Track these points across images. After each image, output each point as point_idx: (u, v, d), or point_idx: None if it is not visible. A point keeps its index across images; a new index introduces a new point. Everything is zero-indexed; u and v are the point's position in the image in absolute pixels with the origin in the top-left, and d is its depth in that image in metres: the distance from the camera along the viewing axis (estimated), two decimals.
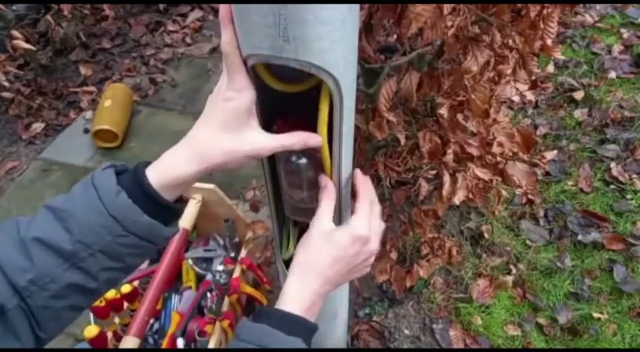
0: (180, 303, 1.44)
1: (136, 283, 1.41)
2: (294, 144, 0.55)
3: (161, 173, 0.53)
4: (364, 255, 0.62)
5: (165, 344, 1.30)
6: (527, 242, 1.83)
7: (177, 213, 0.56)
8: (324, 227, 0.61)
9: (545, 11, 0.70)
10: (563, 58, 2.44)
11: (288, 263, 0.81)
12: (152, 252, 0.56)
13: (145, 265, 1.52)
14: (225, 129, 0.52)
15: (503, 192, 1.04)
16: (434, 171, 1.10)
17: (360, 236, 0.60)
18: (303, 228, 0.86)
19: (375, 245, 0.63)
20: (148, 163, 0.54)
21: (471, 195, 0.97)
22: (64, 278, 0.50)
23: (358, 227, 0.60)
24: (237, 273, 1.44)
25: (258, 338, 0.52)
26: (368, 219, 0.61)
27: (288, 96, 0.55)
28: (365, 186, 0.63)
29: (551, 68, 2.42)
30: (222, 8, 0.48)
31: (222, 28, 0.49)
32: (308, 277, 0.59)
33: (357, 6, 0.47)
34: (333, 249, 0.60)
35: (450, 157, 0.91)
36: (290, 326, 0.54)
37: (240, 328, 0.54)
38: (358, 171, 0.65)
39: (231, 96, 0.51)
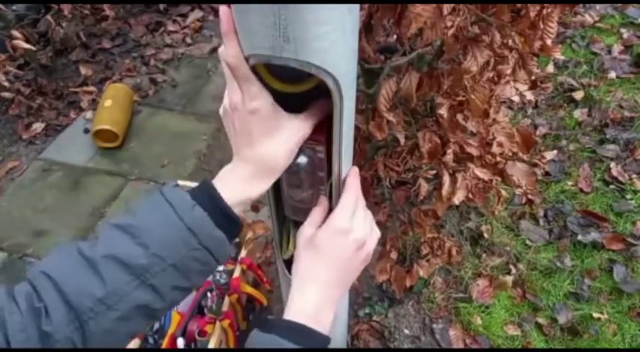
0: (180, 303, 1.44)
1: None
2: (322, 115, 0.57)
3: (233, 192, 0.54)
4: (353, 245, 0.60)
5: (165, 344, 1.31)
6: (527, 242, 1.83)
7: (240, 229, 0.57)
8: (305, 234, 0.61)
9: (544, 11, 0.70)
10: (562, 58, 2.44)
11: (287, 263, 0.81)
12: (212, 272, 0.57)
13: None
14: (271, 136, 0.53)
15: (503, 192, 1.04)
16: (433, 171, 1.10)
17: (340, 228, 0.59)
18: None
19: (360, 233, 0.60)
20: (211, 180, 0.55)
21: (470, 195, 0.97)
22: (133, 298, 0.49)
23: (336, 221, 0.60)
24: (237, 273, 1.44)
25: (262, 346, 0.53)
26: (349, 213, 0.60)
27: (288, 96, 0.55)
28: (351, 183, 0.62)
29: (550, 68, 2.43)
30: (225, 21, 0.48)
31: (227, 41, 0.49)
32: (305, 286, 0.59)
33: (356, 6, 0.47)
34: (317, 249, 0.60)
35: (449, 157, 0.91)
36: (295, 335, 0.54)
37: (251, 339, 0.54)
38: (353, 169, 0.64)
39: (256, 106, 0.52)
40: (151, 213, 0.52)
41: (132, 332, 0.53)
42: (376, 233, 0.64)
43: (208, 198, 0.53)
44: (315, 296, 0.58)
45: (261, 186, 0.55)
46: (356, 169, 0.64)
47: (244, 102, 0.52)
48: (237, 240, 1.60)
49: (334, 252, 0.59)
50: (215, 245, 0.52)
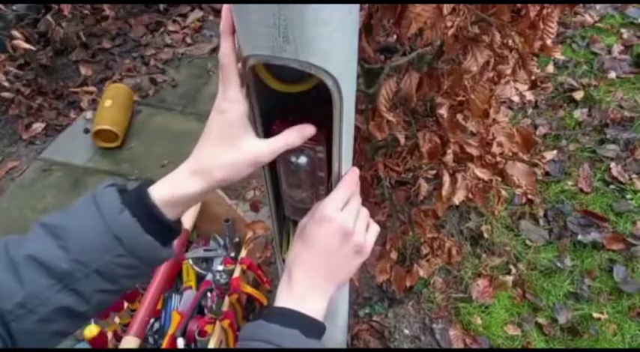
0: (181, 303, 1.44)
1: None
2: (292, 142, 0.54)
3: (165, 191, 0.52)
4: (338, 232, 0.58)
5: (165, 344, 1.31)
6: (527, 242, 1.83)
7: (176, 234, 0.55)
8: (300, 225, 0.62)
9: (544, 11, 0.70)
10: (562, 58, 2.44)
11: None
12: (146, 275, 0.55)
13: None
14: (222, 143, 0.52)
15: (503, 192, 1.04)
16: (434, 171, 1.10)
17: (324, 215, 0.58)
18: None
19: (346, 222, 0.58)
20: (152, 182, 0.53)
21: (470, 195, 0.97)
22: (54, 301, 0.48)
23: (321, 208, 0.58)
24: (237, 273, 1.44)
25: (252, 333, 0.53)
26: (338, 203, 0.59)
27: (287, 97, 0.55)
28: (346, 179, 0.61)
29: (550, 68, 2.42)
30: (224, 20, 0.48)
31: (223, 40, 0.49)
32: (291, 273, 0.58)
33: (357, 6, 0.47)
34: (303, 238, 0.59)
35: (449, 157, 0.91)
36: (283, 318, 0.53)
37: (242, 329, 0.54)
38: (353, 168, 0.64)
39: (225, 108, 0.52)
40: (79, 215, 0.50)
41: (58, 332, 0.51)
42: (374, 230, 0.63)
43: (139, 202, 0.50)
44: (300, 282, 0.58)
45: (189, 187, 0.53)
46: (356, 169, 0.64)
47: (220, 100, 0.52)
48: (237, 239, 1.60)
49: (319, 238, 0.58)
50: (144, 251, 0.50)
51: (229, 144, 0.52)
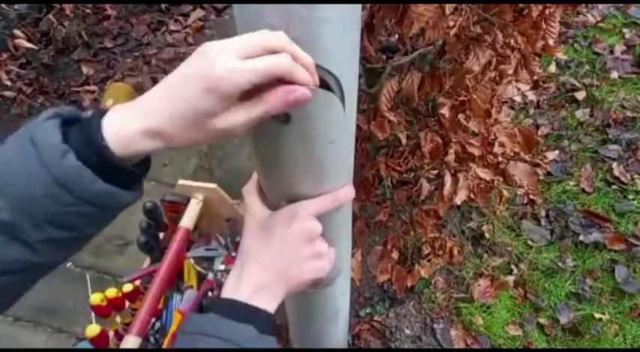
0: (182, 302, 1.44)
1: (137, 282, 1.41)
2: (272, 108, 0.42)
3: (118, 127, 0.41)
4: (303, 235, 0.54)
5: (166, 343, 1.31)
6: (529, 242, 1.83)
7: (140, 176, 0.45)
8: (259, 216, 0.58)
9: (547, 11, 0.70)
10: (565, 57, 2.43)
11: None
12: (112, 218, 0.45)
13: (146, 264, 1.53)
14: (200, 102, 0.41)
15: (505, 192, 1.04)
16: (435, 171, 1.10)
17: (294, 214, 0.55)
18: None
19: (313, 225, 0.55)
20: (105, 112, 0.44)
21: (472, 195, 0.97)
22: (3, 255, 0.41)
23: (295, 208, 0.55)
24: None
25: (202, 328, 0.49)
26: (313, 207, 0.56)
27: None
28: (341, 192, 0.58)
29: (552, 68, 2.42)
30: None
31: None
32: (244, 267, 0.54)
33: (358, 6, 0.47)
34: (264, 232, 0.56)
35: (451, 157, 0.91)
36: (235, 312, 0.49)
37: (185, 321, 0.50)
38: (350, 188, 0.60)
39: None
40: (14, 158, 0.40)
41: (23, 279, 0.44)
42: (333, 252, 0.60)
43: (86, 140, 0.40)
44: (251, 278, 0.53)
45: (149, 145, 0.42)
46: (352, 191, 0.60)
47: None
48: (238, 239, 1.60)
49: (282, 234, 0.54)
50: (99, 199, 0.41)
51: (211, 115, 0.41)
